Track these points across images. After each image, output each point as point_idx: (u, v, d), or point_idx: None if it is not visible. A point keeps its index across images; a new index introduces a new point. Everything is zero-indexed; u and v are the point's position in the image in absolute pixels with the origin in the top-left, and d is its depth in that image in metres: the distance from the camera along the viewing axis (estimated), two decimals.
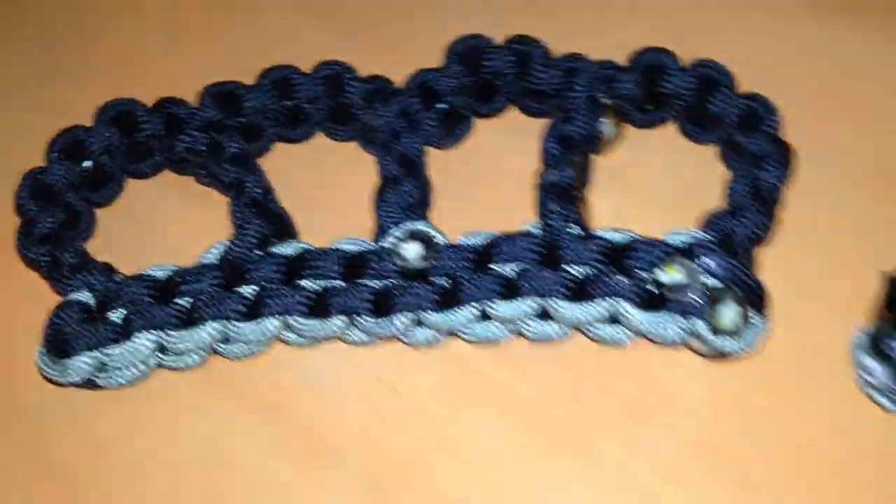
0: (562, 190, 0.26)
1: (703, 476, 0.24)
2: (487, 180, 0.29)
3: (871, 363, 0.24)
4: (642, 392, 0.25)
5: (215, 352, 0.26)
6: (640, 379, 0.26)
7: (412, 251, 0.25)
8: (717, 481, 0.24)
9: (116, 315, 0.26)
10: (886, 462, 0.24)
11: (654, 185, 0.29)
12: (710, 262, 0.24)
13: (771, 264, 0.26)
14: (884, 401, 0.24)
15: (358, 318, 0.25)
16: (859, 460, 0.24)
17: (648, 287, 0.24)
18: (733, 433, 0.25)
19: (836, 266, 0.26)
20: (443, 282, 0.25)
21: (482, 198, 0.29)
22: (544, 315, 0.25)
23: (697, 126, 0.29)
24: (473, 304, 0.25)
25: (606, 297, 0.25)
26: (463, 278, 0.25)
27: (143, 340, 0.25)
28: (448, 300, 0.25)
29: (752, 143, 0.27)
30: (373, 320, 0.25)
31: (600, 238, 0.25)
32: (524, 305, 0.25)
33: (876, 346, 0.23)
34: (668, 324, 0.24)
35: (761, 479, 0.24)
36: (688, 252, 0.25)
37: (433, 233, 0.26)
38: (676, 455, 0.25)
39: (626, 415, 0.25)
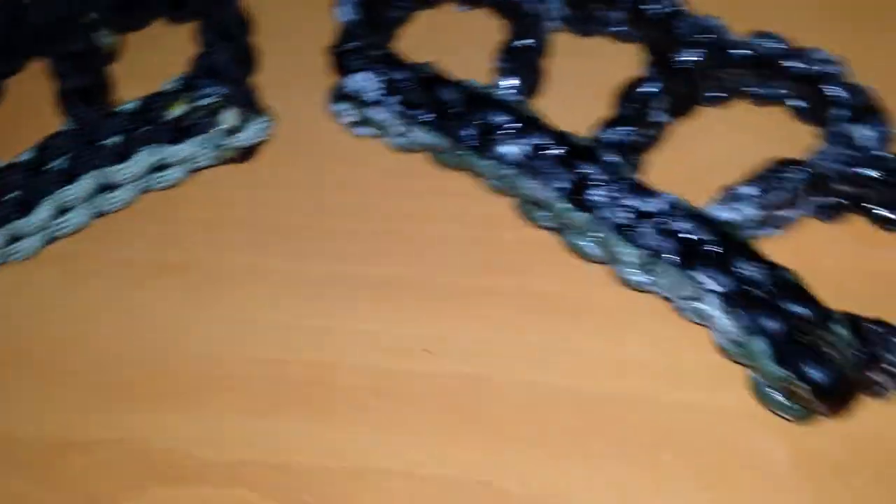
0: (81, 92, 0.32)
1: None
2: (26, 121, 0.34)
3: (341, 107, 0.32)
4: (216, 208, 0.33)
5: None
6: (220, 196, 0.33)
7: None
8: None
9: None
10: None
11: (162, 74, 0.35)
12: (204, 88, 0.31)
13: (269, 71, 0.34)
14: (365, 130, 0.32)
15: None
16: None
17: (169, 126, 0.31)
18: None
19: (312, 63, 0.34)
20: (13, 195, 0.30)
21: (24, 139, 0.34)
22: (112, 188, 0.32)
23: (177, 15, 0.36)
24: (47, 202, 0.31)
25: (144, 147, 0.31)
26: (29, 184, 0.31)
27: None
28: (25, 207, 0.30)
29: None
30: None
31: (120, 112, 0.31)
32: (85, 184, 0.31)
33: (336, 96, 0.32)
34: (200, 146, 0.31)
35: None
36: (187, 88, 0.31)
37: None
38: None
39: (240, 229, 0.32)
